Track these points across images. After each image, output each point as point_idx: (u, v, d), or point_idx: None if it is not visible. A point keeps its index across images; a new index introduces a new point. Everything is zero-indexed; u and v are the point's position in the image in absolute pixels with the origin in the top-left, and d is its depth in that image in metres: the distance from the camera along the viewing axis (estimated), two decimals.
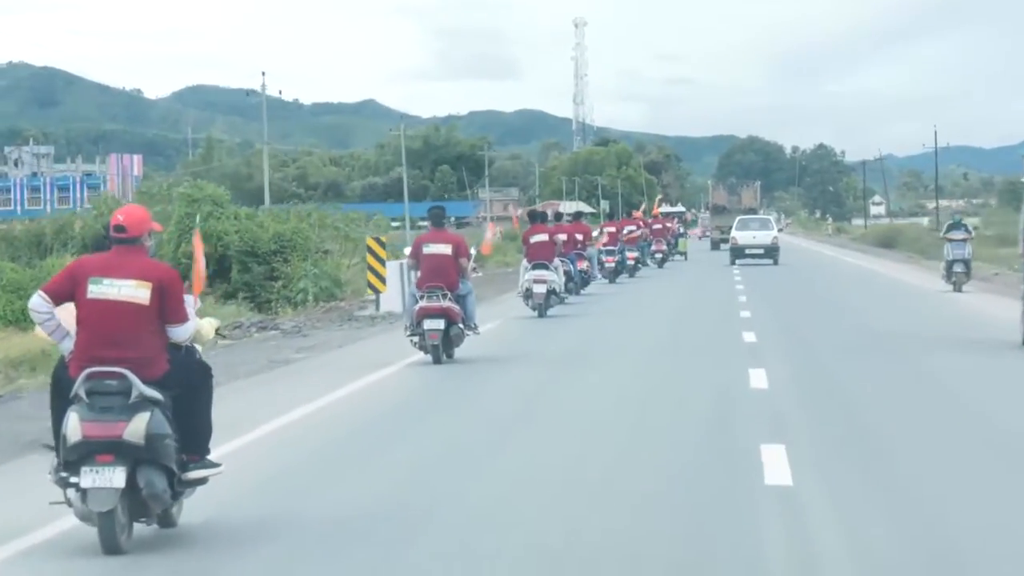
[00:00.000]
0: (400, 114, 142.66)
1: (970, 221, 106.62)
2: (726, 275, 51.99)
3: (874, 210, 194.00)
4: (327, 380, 20.11)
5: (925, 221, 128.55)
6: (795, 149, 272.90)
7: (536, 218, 33.56)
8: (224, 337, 28.92)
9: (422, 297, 22.00)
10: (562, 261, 35.48)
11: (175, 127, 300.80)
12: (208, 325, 10.90)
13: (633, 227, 53.92)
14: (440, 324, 21.80)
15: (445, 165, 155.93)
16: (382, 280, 34.98)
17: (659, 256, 60.70)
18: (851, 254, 78.89)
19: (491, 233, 29.56)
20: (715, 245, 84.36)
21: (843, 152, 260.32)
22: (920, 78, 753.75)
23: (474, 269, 26.03)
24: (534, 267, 32.03)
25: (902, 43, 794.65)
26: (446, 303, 21.86)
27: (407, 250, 24.39)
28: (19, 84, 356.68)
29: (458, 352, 22.55)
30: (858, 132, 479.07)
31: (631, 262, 51.66)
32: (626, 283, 48.13)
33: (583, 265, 40.17)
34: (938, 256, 43.49)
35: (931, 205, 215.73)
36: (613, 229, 49.46)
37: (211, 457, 10.23)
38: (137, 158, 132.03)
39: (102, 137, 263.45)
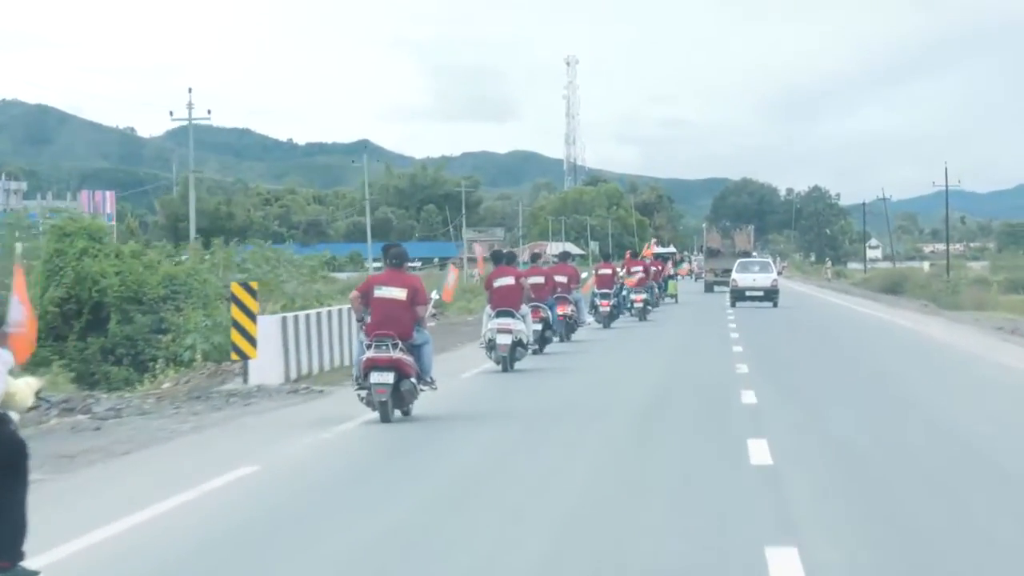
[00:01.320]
0: (395, 155, 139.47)
1: (973, 266, 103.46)
2: (721, 322, 48.20)
3: (870, 254, 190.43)
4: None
5: (926, 266, 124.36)
6: (789, 191, 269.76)
7: (500, 259, 29.74)
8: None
9: (370, 346, 19.53)
10: (538, 307, 32.51)
11: (167, 166, 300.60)
12: (26, 388, 9.14)
13: (640, 268, 50.99)
14: (389, 378, 19.35)
15: (431, 204, 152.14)
16: (252, 342, 26.12)
17: (639, 306, 56.55)
18: (860, 302, 71.64)
19: (453, 277, 25.60)
20: (709, 287, 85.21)
21: (838, 195, 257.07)
22: (914, 122, 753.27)
23: (433, 315, 22.54)
24: (498, 315, 28.46)
25: (895, 86, 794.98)
26: (397, 354, 19.42)
27: (354, 293, 20.98)
28: (12, 122, 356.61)
29: (413, 409, 20.11)
30: (851, 175, 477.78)
31: (639, 304, 49.20)
32: (627, 327, 45.24)
33: (566, 310, 36.97)
34: (953, 305, 40.72)
35: (928, 249, 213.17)
36: (608, 271, 46.37)
37: (28, 564, 8.64)
38: (110, 194, 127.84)
39: (93, 175, 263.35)
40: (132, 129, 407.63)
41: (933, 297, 62.23)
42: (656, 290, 58.96)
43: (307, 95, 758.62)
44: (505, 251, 30.77)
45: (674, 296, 67.85)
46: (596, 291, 44.86)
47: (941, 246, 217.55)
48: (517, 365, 28.55)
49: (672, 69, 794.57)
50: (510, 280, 28.93)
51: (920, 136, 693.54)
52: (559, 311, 36.10)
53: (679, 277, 70.92)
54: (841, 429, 18.40)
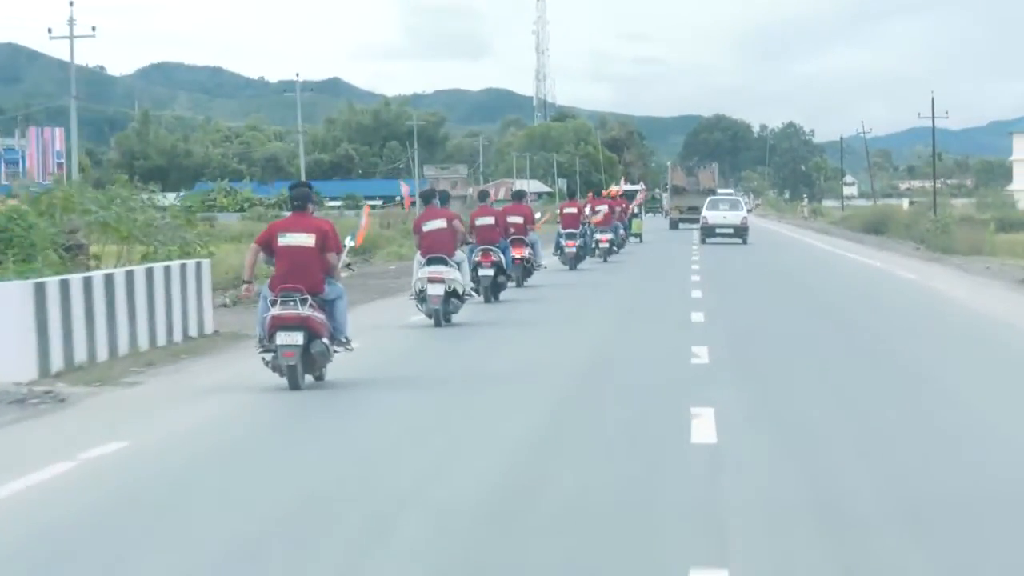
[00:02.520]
0: (366, 92, 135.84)
1: (956, 204, 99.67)
2: (685, 266, 44.62)
3: (846, 191, 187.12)
4: None
5: (905, 203, 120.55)
6: (763, 128, 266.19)
7: (430, 198, 25.97)
8: None
9: (275, 303, 17.12)
10: (489, 251, 29.64)
11: (136, 104, 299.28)
12: None
13: (604, 207, 48.74)
14: (298, 338, 16.89)
15: (394, 141, 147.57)
16: None
17: (604, 246, 53.67)
18: (843, 244, 64.61)
19: (366, 219, 21.92)
20: (674, 225, 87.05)
21: (812, 131, 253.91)
22: (886, 61, 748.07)
23: (348, 265, 19.32)
24: (428, 262, 25.09)
25: (869, 24, 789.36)
26: (307, 311, 17.02)
27: (253, 245, 17.90)
28: None
29: (327, 374, 17.70)
30: (825, 113, 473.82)
31: (605, 245, 47.05)
32: (590, 270, 42.90)
33: (522, 252, 34.02)
34: (946, 247, 37.63)
35: (904, 186, 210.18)
36: (574, 210, 43.89)
37: None
38: (59, 131, 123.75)
39: (61, 112, 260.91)
40: (102, 68, 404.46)
41: (921, 238, 58.22)
42: (621, 230, 56.33)
43: (279, 34, 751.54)
44: (438, 189, 27.09)
45: (638, 235, 65.41)
46: (561, 232, 42.89)
47: (917, 183, 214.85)
48: (454, 318, 25.35)
49: (644, 7, 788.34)
50: (441, 223, 25.45)
51: (892, 74, 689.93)
52: (514, 254, 33.44)
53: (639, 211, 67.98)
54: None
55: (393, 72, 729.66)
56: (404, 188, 32.25)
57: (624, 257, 51.35)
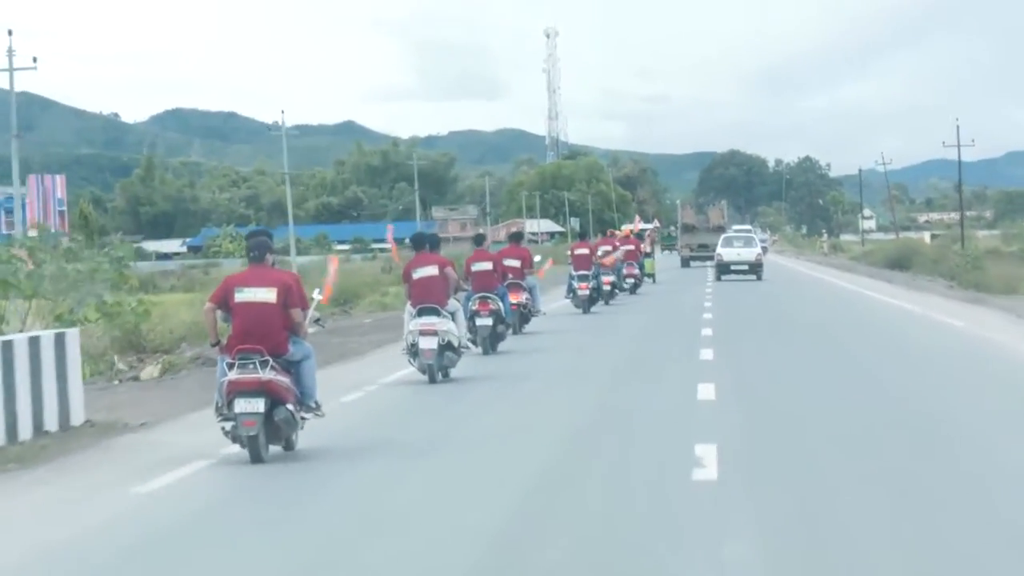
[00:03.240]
0: (380, 135, 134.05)
1: (980, 236, 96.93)
2: (698, 306, 42.53)
3: (864, 225, 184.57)
4: None
5: (927, 236, 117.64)
6: (778, 163, 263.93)
7: (422, 244, 23.81)
8: None
9: (232, 365, 15.21)
10: (487, 299, 27.90)
11: (152, 151, 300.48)
12: None
13: (608, 247, 47.34)
14: (259, 405, 15.00)
15: (403, 183, 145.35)
16: None
17: (631, 281, 52.13)
18: (869, 283, 58.31)
19: (334, 270, 19.43)
20: (685, 263, 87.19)
21: (828, 165, 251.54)
22: (898, 92, 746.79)
23: (317, 321, 17.13)
24: (419, 313, 22.95)
25: (879, 57, 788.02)
26: (268, 374, 15.12)
27: (208, 304, 15.91)
28: None
29: (297, 441, 15.79)
30: (838, 147, 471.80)
31: (607, 287, 45.03)
32: (598, 313, 41.24)
33: (519, 298, 32.17)
34: (979, 283, 34.96)
35: (923, 219, 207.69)
36: (586, 251, 42.26)
37: None
38: (60, 179, 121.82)
39: (76, 161, 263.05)
40: (116, 115, 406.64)
41: (951, 274, 55.40)
42: (636, 269, 54.91)
43: (292, 78, 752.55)
44: (428, 233, 24.85)
45: (651, 275, 63.37)
46: (573, 273, 41.39)
47: (935, 215, 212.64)
48: (451, 373, 23.19)
49: (656, 44, 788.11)
50: (432, 269, 23.25)
51: (904, 107, 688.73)
52: (512, 299, 31.42)
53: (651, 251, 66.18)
54: None
55: (407, 114, 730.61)
56: (389, 232, 29.74)
57: (634, 299, 49.58)
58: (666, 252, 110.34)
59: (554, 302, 44.43)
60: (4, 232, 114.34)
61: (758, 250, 65.93)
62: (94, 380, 24.42)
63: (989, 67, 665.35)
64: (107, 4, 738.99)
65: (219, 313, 15.82)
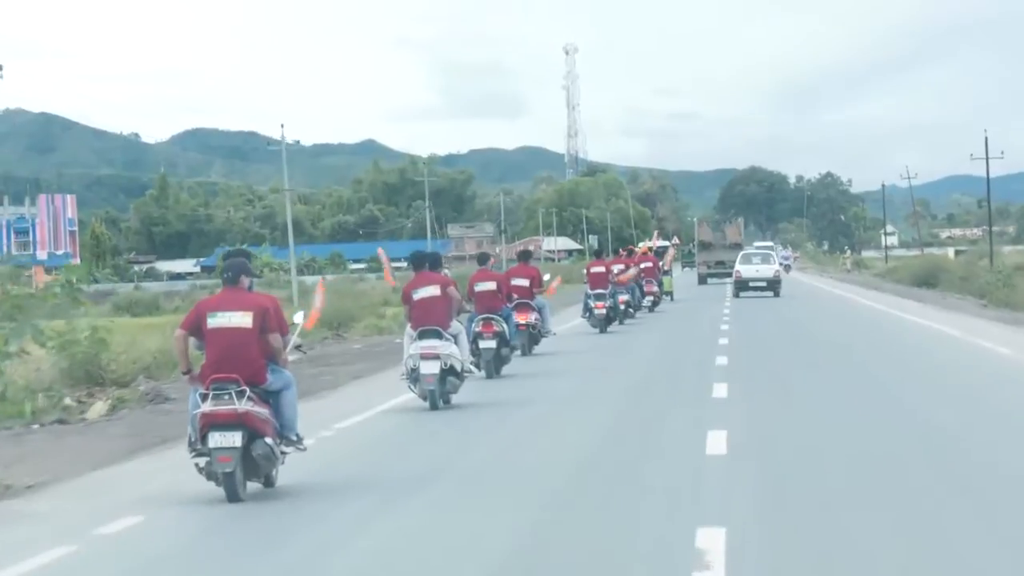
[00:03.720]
0: (401, 153, 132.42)
1: (1007, 251, 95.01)
2: (715, 326, 40.82)
3: (885, 240, 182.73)
4: None
5: (951, 252, 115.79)
6: (799, 179, 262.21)
7: (422, 263, 22.49)
8: None
9: (206, 396, 13.94)
10: (491, 320, 26.57)
11: (173, 171, 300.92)
12: None
13: (622, 265, 46.13)
14: (236, 439, 13.78)
15: (420, 200, 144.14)
16: None
17: (650, 299, 50.97)
18: (900, 302, 54.05)
19: (320, 297, 17.94)
20: (702, 280, 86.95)
21: (850, 180, 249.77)
22: (918, 108, 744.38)
23: (299, 347, 15.88)
24: (420, 336, 21.68)
25: (899, 73, 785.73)
26: (245, 405, 13.84)
27: (178, 331, 14.72)
28: (17, 131, 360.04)
29: (278, 477, 14.60)
30: (859, 163, 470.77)
31: (621, 306, 43.79)
32: (614, 332, 40.02)
33: (528, 318, 31.11)
34: (1013, 302, 33.14)
35: (945, 234, 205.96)
36: (602, 269, 41.43)
37: None
38: (71, 198, 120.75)
39: (97, 182, 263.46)
40: (136, 135, 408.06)
41: (980, 291, 53.45)
42: (655, 286, 53.87)
43: (312, 97, 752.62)
44: (428, 251, 23.55)
45: (669, 293, 62.23)
46: (589, 292, 40.47)
47: (957, 231, 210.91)
48: (453, 399, 21.92)
49: (676, 62, 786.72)
50: (434, 290, 21.97)
51: (924, 123, 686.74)
52: (519, 319, 30.56)
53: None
54: None
55: (428, 133, 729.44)
56: (381, 253, 27.60)
57: (651, 318, 48.26)
58: (687, 269, 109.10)
59: (566, 322, 43.37)
60: (14, 254, 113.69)
61: (776, 267, 66.38)
62: (11, 424, 21.33)
63: (1008, 83, 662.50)
64: (128, 25, 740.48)
65: (193, 341, 14.65)
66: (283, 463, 14.51)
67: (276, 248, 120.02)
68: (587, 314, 40.59)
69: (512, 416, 20.59)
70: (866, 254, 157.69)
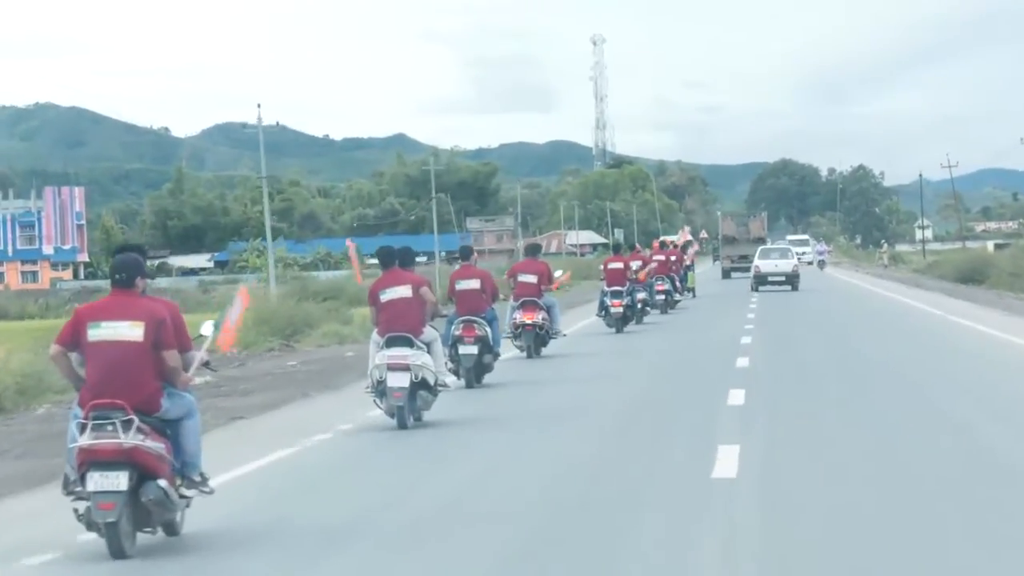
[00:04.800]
0: (430, 147, 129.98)
1: None
2: (737, 328, 36.99)
3: (919, 234, 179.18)
4: None
5: (990, 245, 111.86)
6: (831, 172, 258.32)
7: (391, 260, 19.49)
8: None
9: (84, 427, 11.19)
10: (472, 323, 23.70)
11: (201, 165, 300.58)
12: None
13: (639, 262, 43.50)
14: (121, 481, 11.02)
15: (442, 194, 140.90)
16: None
17: (661, 298, 48.10)
18: (951, 305, 46.59)
19: (240, 305, 14.35)
20: (726, 274, 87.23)
21: (882, 173, 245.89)
22: (950, 101, 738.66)
23: (207, 365, 12.92)
24: (388, 343, 18.76)
25: (930, 65, 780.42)
26: (133, 438, 11.11)
27: (54, 348, 11.85)
28: (47, 125, 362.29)
29: (183, 524, 12.01)
30: (890, 156, 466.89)
31: (639, 304, 41.58)
32: (631, 333, 37.65)
33: (534, 317, 28.74)
34: None
35: (980, 228, 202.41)
36: (620, 266, 39.16)
37: None
38: (79, 191, 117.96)
39: (126, 176, 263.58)
40: (166, 129, 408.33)
41: None
42: (677, 282, 51.75)
43: (342, 91, 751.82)
44: (399, 247, 20.45)
45: (692, 290, 59.73)
46: (606, 290, 38.19)
47: (993, 224, 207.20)
48: (426, 415, 19.02)
49: (706, 55, 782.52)
50: (404, 290, 18.99)
51: (956, 116, 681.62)
52: (526, 319, 28.65)
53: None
54: None
55: (459, 127, 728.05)
56: (351, 247, 24.94)
57: (670, 317, 45.47)
58: (717, 263, 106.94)
59: (580, 320, 41.14)
60: (19, 248, 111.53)
61: (795, 261, 67.05)
62: None
63: None
64: (158, 19, 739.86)
65: (75, 357, 11.82)
66: (188, 506, 11.82)
67: (292, 242, 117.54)
68: (603, 313, 38.33)
69: (486, 438, 17.70)
70: (900, 248, 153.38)
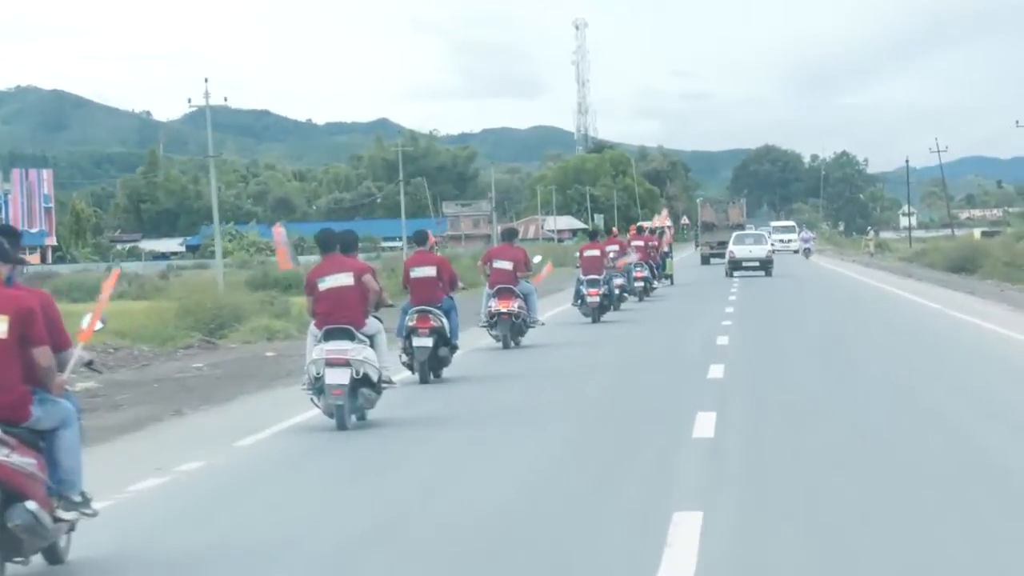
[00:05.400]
0: (414, 133, 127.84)
1: None
2: (715, 322, 33.94)
3: (903, 221, 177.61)
4: None
5: (977, 233, 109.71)
6: (815, 158, 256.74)
7: (330, 246, 17.55)
8: None
9: None
10: (426, 313, 21.76)
11: (184, 148, 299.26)
12: None
13: (616, 248, 42.38)
14: None
15: (419, 178, 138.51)
16: None
17: (640, 286, 46.47)
18: (950, 297, 42.13)
19: (106, 292, 12.12)
20: (705, 260, 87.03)
21: (866, 160, 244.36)
22: (933, 90, 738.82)
23: (89, 364, 11.09)
24: (327, 336, 16.97)
25: (915, 55, 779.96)
26: None
27: None
28: (28, 108, 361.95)
29: (69, 549, 10.41)
30: (874, 145, 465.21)
31: (616, 291, 39.96)
32: (607, 323, 35.74)
33: (510, 306, 27.49)
34: None
35: (965, 215, 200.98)
36: (596, 252, 37.76)
37: None
38: (47, 173, 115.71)
39: (107, 160, 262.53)
40: (148, 113, 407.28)
41: None
42: (654, 269, 50.44)
43: (325, 76, 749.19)
44: (340, 231, 18.46)
45: (670, 276, 58.32)
46: (582, 278, 36.81)
47: (977, 212, 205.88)
48: (369, 414, 17.27)
49: (692, 43, 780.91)
50: (345, 278, 17.16)
51: (939, 105, 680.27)
52: (501, 307, 27.40)
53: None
54: None
55: (443, 112, 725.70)
56: (278, 233, 23.01)
57: (646, 305, 43.60)
58: (698, 249, 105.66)
59: (553, 308, 39.38)
60: None
61: (768, 247, 67.67)
62: None
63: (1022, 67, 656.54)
64: (141, 2, 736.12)
65: None
66: (73, 529, 10.11)
67: (263, 226, 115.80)
68: (579, 302, 36.77)
69: (437, 440, 15.89)
70: (884, 235, 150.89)
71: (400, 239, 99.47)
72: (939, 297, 42.60)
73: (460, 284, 23.78)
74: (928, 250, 79.44)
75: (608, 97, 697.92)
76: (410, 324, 21.65)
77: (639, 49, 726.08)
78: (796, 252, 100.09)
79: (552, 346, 28.17)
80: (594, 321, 35.70)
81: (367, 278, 17.31)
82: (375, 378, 16.94)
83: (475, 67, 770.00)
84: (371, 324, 17.35)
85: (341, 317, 16.99)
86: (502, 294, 27.41)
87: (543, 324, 29.46)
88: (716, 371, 21.82)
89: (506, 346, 27.44)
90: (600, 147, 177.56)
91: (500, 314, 27.41)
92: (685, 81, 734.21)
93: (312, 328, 17.45)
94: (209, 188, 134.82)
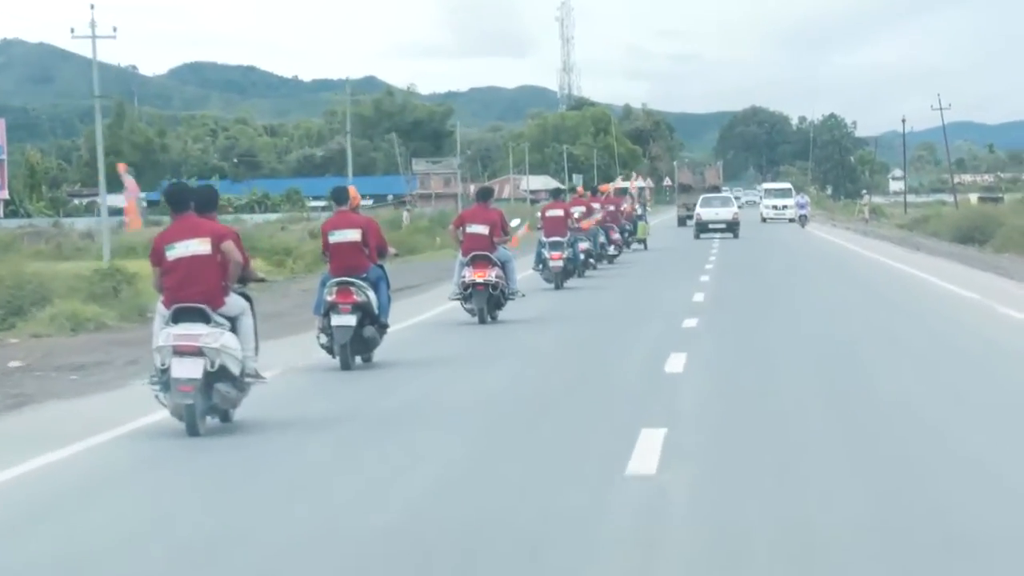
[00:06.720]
0: (401, 91, 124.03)
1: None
2: (687, 292, 30.34)
3: (893, 185, 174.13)
4: None
5: (973, 198, 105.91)
6: (802, 120, 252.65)
7: (182, 205, 12.98)
8: None
9: None
10: (349, 286, 18.32)
11: (168, 103, 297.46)
12: None
13: (582, 208, 39.87)
14: None
15: (392, 134, 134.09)
16: None
17: (614, 249, 43.51)
18: (983, 280, 32.83)
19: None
20: (681, 222, 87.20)
21: (854, 123, 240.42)
22: (923, 53, 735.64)
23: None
24: (176, 317, 13.29)
25: (905, 18, 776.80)
26: None
27: None
28: (13, 61, 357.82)
29: None
30: (863, 108, 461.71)
31: (581, 255, 37.87)
32: (571, 289, 33.64)
33: (486, 275, 24.55)
34: None
35: (956, 180, 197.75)
36: (559, 212, 35.21)
37: None
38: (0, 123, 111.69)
39: (89, 113, 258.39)
40: (134, 67, 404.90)
41: None
42: (623, 234, 48.66)
43: (313, 33, 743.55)
44: (194, 187, 14.48)
45: (643, 241, 55.54)
46: (544, 240, 34.29)
47: (968, 177, 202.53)
48: (235, 414, 13.76)
49: (678, 3, 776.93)
50: (201, 246, 13.41)
51: (928, 68, 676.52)
52: (476, 276, 24.45)
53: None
54: None
55: (432, 70, 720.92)
56: (127, 182, 19.08)
57: (617, 270, 41.04)
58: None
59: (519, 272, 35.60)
60: None
61: (735, 209, 68.90)
62: None
63: (1017, 31, 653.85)
64: None
65: None
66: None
67: (230, 181, 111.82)
68: (540, 266, 34.23)
69: (307, 450, 12.25)
70: (876, 200, 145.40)
71: (370, 198, 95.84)
72: (964, 278, 33.48)
73: (392, 250, 20.12)
74: (929, 217, 74.72)
75: (595, 57, 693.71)
76: (329, 299, 17.88)
77: (627, 8, 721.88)
78: (791, 220, 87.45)
79: (510, 320, 24.81)
80: (557, 287, 33.35)
81: (228, 245, 13.50)
82: (236, 371, 13.23)
83: (465, 24, 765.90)
84: (233, 303, 13.59)
85: (194, 294, 13.31)
86: (477, 262, 24.51)
87: (523, 295, 26.17)
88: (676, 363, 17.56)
89: (482, 320, 24.59)
90: (581, 104, 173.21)
91: (475, 284, 24.51)
92: (673, 41, 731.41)
93: (159, 307, 13.72)
94: (176, 143, 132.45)
